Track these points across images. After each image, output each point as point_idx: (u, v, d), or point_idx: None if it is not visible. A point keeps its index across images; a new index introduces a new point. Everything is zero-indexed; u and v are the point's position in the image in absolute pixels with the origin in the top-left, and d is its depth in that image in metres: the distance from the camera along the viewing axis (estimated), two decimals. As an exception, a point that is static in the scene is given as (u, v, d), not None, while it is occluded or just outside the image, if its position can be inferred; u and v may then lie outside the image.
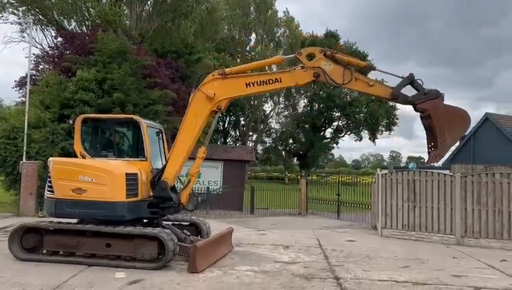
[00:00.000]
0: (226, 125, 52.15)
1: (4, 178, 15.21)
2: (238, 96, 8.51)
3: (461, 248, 10.17)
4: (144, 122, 8.45)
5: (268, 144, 57.96)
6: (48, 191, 7.92)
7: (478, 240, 10.50)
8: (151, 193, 8.20)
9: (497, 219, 10.38)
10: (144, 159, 8.38)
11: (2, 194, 17.28)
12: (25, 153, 14.38)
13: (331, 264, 8.09)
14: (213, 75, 8.05)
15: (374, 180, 15.05)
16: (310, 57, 7.79)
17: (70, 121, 15.66)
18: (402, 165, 52.09)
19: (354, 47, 52.32)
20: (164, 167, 8.10)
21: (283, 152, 58.40)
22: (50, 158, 8.35)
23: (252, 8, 47.06)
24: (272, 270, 7.47)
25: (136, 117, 8.61)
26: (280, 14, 49.91)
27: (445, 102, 7.58)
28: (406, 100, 7.64)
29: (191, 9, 23.57)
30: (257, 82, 7.89)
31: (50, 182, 7.87)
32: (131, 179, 7.81)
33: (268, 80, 7.89)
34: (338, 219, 16.00)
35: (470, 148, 37.81)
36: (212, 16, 26.63)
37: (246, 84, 7.93)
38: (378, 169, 14.14)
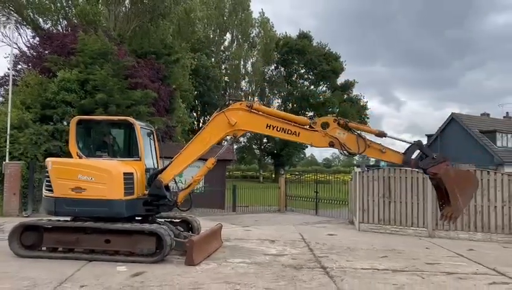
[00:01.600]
0: (200, 124, 52.33)
1: (-15, 179, 15.09)
2: (256, 132, 8.90)
3: (433, 240, 11.04)
4: (137, 124, 8.83)
5: (242, 144, 58.53)
6: (47, 190, 8.19)
7: (448, 232, 11.40)
8: (146, 191, 8.61)
9: (464, 212, 11.27)
10: (138, 159, 8.75)
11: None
12: (8, 153, 14.37)
13: (316, 256, 8.71)
14: (240, 104, 8.38)
15: (350, 177, 15.85)
16: (324, 125, 8.14)
17: (53, 122, 15.74)
18: (371, 163, 53.62)
19: (327, 48, 53.53)
20: (165, 167, 8.50)
21: (257, 151, 59.13)
22: (48, 158, 8.59)
23: (227, 8, 47.45)
24: (263, 262, 8.03)
25: (130, 119, 8.97)
26: (256, 15, 50.53)
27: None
28: (417, 166, 8.12)
29: (169, 10, 23.83)
30: (277, 128, 8.21)
31: (49, 181, 8.14)
32: (128, 178, 8.19)
33: (288, 130, 8.19)
34: (316, 215, 16.71)
35: (437, 146, 39.42)
36: (189, 17, 26.96)
37: (267, 125, 8.24)
38: (355, 167, 14.93)
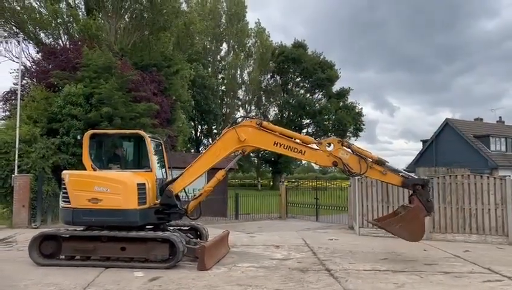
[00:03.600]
0: (198, 134, 52.87)
1: (-6, 192, 15.47)
2: (263, 149, 9.35)
3: (430, 242, 11.52)
4: (148, 137, 9.32)
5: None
6: (64, 201, 8.63)
7: (445, 235, 11.90)
8: (157, 201, 9.07)
9: (460, 215, 11.82)
10: (149, 170, 9.22)
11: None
12: (16, 166, 14.78)
13: (320, 259, 9.18)
14: (251, 122, 8.92)
15: (348, 184, 16.35)
16: (329, 145, 8.66)
17: (59, 136, 16.18)
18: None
19: (322, 57, 54.33)
20: (176, 178, 8.98)
21: (255, 159, 59.64)
22: (64, 171, 9.04)
23: (223, 19, 48.19)
24: (270, 266, 8.48)
25: (141, 132, 9.46)
26: (252, 25, 51.33)
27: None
28: (414, 188, 8.54)
29: (169, 24, 24.39)
30: (284, 145, 8.73)
31: (66, 193, 8.58)
32: (141, 189, 8.65)
33: (295, 148, 8.72)
34: (317, 221, 17.19)
35: (432, 151, 40.10)
36: (188, 29, 27.53)
37: (275, 142, 8.77)
38: (354, 174, 15.40)
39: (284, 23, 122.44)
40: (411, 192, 8.81)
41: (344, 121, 51.27)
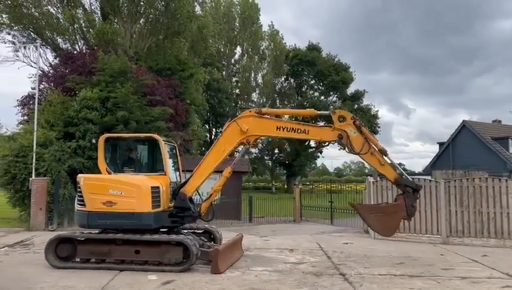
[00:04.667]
0: (213, 137, 53.00)
1: (12, 195, 15.75)
2: (267, 136, 9.35)
3: (447, 247, 11.33)
4: (162, 140, 9.38)
5: (254, 155, 58.98)
6: (79, 204, 8.73)
7: (462, 239, 11.69)
8: (171, 204, 9.10)
9: (478, 219, 11.59)
10: (164, 173, 9.27)
11: (6, 211, 17.77)
12: (34, 170, 15.02)
13: (334, 263, 9.09)
14: (250, 112, 8.93)
15: (364, 187, 16.19)
16: (341, 119, 8.60)
17: (75, 139, 16.39)
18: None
19: (336, 59, 54.06)
20: (187, 180, 9.00)
21: (269, 162, 59.55)
22: (80, 175, 9.14)
23: (237, 22, 48.38)
24: (284, 270, 8.43)
25: (155, 136, 9.53)
26: (265, 28, 51.41)
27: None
28: (405, 189, 8.46)
29: (183, 28, 24.51)
30: (287, 128, 8.73)
31: (81, 196, 8.67)
32: (155, 192, 8.70)
33: (297, 129, 8.70)
34: (332, 225, 17.04)
35: (449, 154, 39.52)
36: (202, 33, 27.63)
37: (277, 127, 8.79)
38: (368, 177, 15.26)
39: (296, 26, 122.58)
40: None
41: (359, 123, 50.82)
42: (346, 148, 8.55)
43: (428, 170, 40.01)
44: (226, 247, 8.91)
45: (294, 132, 8.72)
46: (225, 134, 8.97)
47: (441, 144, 42.84)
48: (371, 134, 8.70)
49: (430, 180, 12.56)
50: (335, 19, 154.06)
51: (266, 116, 8.91)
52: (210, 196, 9.20)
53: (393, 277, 7.87)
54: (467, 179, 12.10)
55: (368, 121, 52.73)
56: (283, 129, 8.75)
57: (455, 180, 12.12)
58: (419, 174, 40.63)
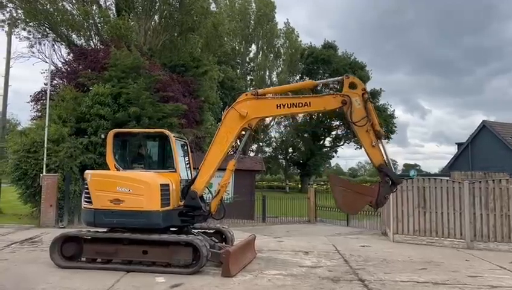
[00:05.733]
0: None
1: (23, 191, 15.59)
2: (269, 116, 8.88)
3: (471, 251, 10.70)
4: (173, 136, 8.98)
5: (268, 154, 58.49)
6: (86, 202, 8.39)
7: (487, 244, 11.04)
8: (181, 202, 8.71)
9: (505, 223, 10.94)
10: (174, 170, 8.88)
11: (18, 207, 17.66)
12: (45, 166, 14.82)
13: (352, 268, 8.59)
14: (246, 95, 8.53)
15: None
16: (352, 85, 8.09)
17: (87, 135, 16.18)
18: (398, 172, 52.82)
19: (352, 58, 53.22)
20: (195, 177, 8.59)
21: (283, 161, 58.97)
22: (87, 171, 8.81)
23: (252, 20, 47.95)
24: (299, 274, 7.96)
25: (166, 131, 9.14)
26: (281, 25, 50.83)
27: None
28: (384, 178, 7.92)
29: (198, 24, 24.20)
30: (287, 104, 8.28)
31: (88, 193, 8.34)
32: (165, 189, 8.31)
33: (298, 103, 8.26)
34: (348, 226, 16.48)
35: (467, 154, 38.45)
36: (217, 30, 27.29)
37: (277, 105, 8.35)
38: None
39: (310, 26, 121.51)
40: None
41: (375, 123, 49.91)
42: (346, 116, 8.09)
43: (446, 171, 39.03)
44: (238, 248, 8.48)
45: (296, 106, 8.29)
46: (225, 122, 8.53)
47: (459, 145, 41.74)
48: (375, 113, 8.23)
49: (453, 181, 11.93)
50: (349, 19, 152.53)
51: (264, 96, 8.49)
52: (218, 192, 8.75)
53: (416, 284, 7.34)
54: (493, 180, 11.46)
55: (384, 120, 51.76)
56: (284, 106, 8.31)
57: (480, 182, 11.48)
58: (435, 175, 39.67)
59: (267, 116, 8.78)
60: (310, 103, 8.27)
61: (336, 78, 9.02)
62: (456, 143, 43.63)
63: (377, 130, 7.98)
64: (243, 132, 8.78)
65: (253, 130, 8.68)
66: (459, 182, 11.70)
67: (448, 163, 41.69)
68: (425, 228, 11.81)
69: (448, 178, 16.97)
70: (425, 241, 11.78)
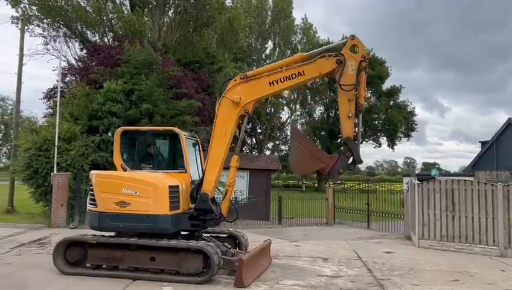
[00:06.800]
0: (241, 133, 52.08)
1: (35, 189, 15.28)
2: (264, 96, 8.31)
3: (506, 260, 9.85)
4: (183, 134, 8.42)
5: (284, 152, 57.71)
6: (91, 204, 7.91)
7: (523, 251, 10.17)
8: (191, 205, 8.14)
9: (542, 230, 10.06)
10: (184, 171, 8.33)
11: (32, 205, 17.40)
12: (55, 164, 14.47)
13: (377, 278, 7.89)
14: (235, 80, 8.01)
15: (404, 188, 14.80)
16: (354, 48, 7.64)
17: (99, 133, 15.78)
18: (417, 171, 51.49)
19: (372, 53, 51.99)
20: (202, 179, 8.01)
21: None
22: (92, 171, 8.32)
23: (269, 16, 47.28)
24: (318, 285, 7.30)
25: (175, 129, 8.58)
26: (297, 21, 50.03)
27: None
28: (346, 152, 7.62)
29: (212, 19, 23.68)
30: (280, 79, 7.81)
31: (93, 195, 7.85)
32: (174, 192, 7.76)
33: (291, 74, 7.78)
34: (368, 229, 15.69)
35: (492, 153, 37.10)
36: (232, 25, 26.74)
37: (270, 82, 7.86)
38: (412, 178, 13.89)
39: (326, 23, 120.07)
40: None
41: (395, 120, 48.64)
42: (335, 77, 7.65)
43: (470, 170, 37.72)
44: (252, 256, 7.86)
45: (290, 79, 7.78)
46: (219, 114, 7.96)
47: (483, 143, 40.29)
48: (365, 86, 7.72)
49: (485, 183, 11.07)
50: (367, 16, 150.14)
51: (253, 77, 7.94)
52: (226, 193, 8.14)
53: (450, 299, 6.61)
54: (529, 182, 10.57)
55: (405, 118, 50.53)
56: (277, 82, 7.82)
57: (515, 184, 10.61)
58: (455, 174, 38.25)
59: (261, 97, 8.25)
60: (303, 71, 7.77)
61: (337, 43, 8.40)
62: (479, 142, 42.18)
63: (360, 103, 7.58)
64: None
65: (250, 115, 8.14)
66: (492, 185, 10.84)
67: (472, 162, 40.31)
68: (454, 234, 10.99)
69: (472, 178, 16.08)
70: (453, 247, 10.95)
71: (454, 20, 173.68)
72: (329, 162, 7.70)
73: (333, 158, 7.76)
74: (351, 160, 7.62)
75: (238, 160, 8.12)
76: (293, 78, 7.79)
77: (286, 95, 52.33)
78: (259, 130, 51.21)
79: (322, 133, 52.75)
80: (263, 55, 50.83)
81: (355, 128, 7.62)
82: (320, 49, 8.34)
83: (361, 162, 7.82)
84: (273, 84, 7.86)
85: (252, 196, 17.23)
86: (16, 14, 22.19)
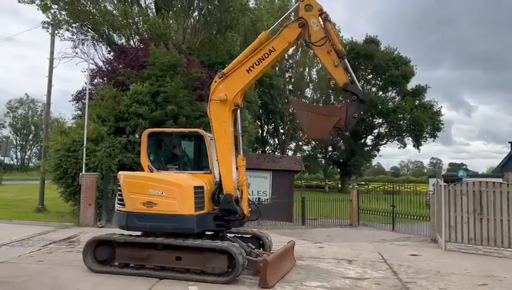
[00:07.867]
0: (264, 134, 52.18)
1: (64, 189, 15.75)
2: (247, 84, 8.43)
3: (537, 264, 9.60)
4: (207, 136, 8.55)
5: (307, 152, 57.47)
6: (119, 204, 8.12)
7: (555, 256, 9.88)
8: (215, 206, 8.25)
9: None
10: (209, 171, 8.46)
11: (62, 204, 17.92)
12: (84, 165, 14.87)
13: (402, 281, 7.82)
14: (215, 81, 8.27)
15: (430, 190, 14.56)
16: (308, 7, 7.85)
17: (125, 134, 16.12)
18: (443, 172, 50.32)
19: (396, 52, 51.32)
20: (220, 182, 8.14)
21: (322, 160, 57.73)
22: (120, 172, 8.55)
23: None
24: (343, 287, 7.30)
25: (200, 131, 8.74)
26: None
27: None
28: (351, 96, 7.69)
29: (236, 21, 23.80)
30: (255, 63, 8.02)
31: (121, 195, 8.06)
32: (199, 192, 7.90)
33: (264, 54, 7.99)
34: (393, 231, 15.50)
35: (522, 154, 36.09)
36: (255, 27, 26.79)
37: (247, 70, 8.07)
38: (439, 180, 13.67)
39: (349, 21, 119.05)
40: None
41: (420, 120, 47.79)
42: (305, 39, 7.87)
43: (498, 172, 36.73)
44: (277, 256, 7.91)
45: (264, 59, 8.00)
46: (213, 116, 8.20)
47: (516, 143, 39.18)
48: (334, 32, 7.96)
49: (508, 184, 10.79)
50: (390, 14, 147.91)
51: (230, 71, 8.21)
52: (241, 193, 8.22)
53: (478, 303, 6.50)
54: (562, 185, 10.26)
55: (430, 118, 49.60)
56: (253, 67, 8.05)
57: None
58: (483, 175, 37.21)
59: (245, 86, 8.41)
60: (273, 47, 8.01)
61: (291, 9, 8.62)
62: (509, 142, 41.06)
63: (339, 49, 7.72)
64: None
65: (241, 107, 8.41)
66: (522, 187, 10.57)
67: (501, 163, 39.31)
68: (482, 237, 10.76)
69: (501, 179, 15.65)
70: (481, 251, 10.73)
71: (480, 15, 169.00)
72: (340, 112, 7.71)
73: (342, 108, 7.79)
74: (356, 100, 7.67)
75: (244, 159, 8.25)
76: (266, 57, 8.01)
77: (309, 95, 52.14)
78: (281, 131, 51.10)
79: (346, 133, 52.21)
80: (286, 55, 50.76)
81: (347, 73, 7.76)
82: (279, 21, 8.53)
83: (367, 98, 7.96)
84: (251, 70, 8.11)
85: (275, 196, 17.28)
86: (46, 19, 22.90)
